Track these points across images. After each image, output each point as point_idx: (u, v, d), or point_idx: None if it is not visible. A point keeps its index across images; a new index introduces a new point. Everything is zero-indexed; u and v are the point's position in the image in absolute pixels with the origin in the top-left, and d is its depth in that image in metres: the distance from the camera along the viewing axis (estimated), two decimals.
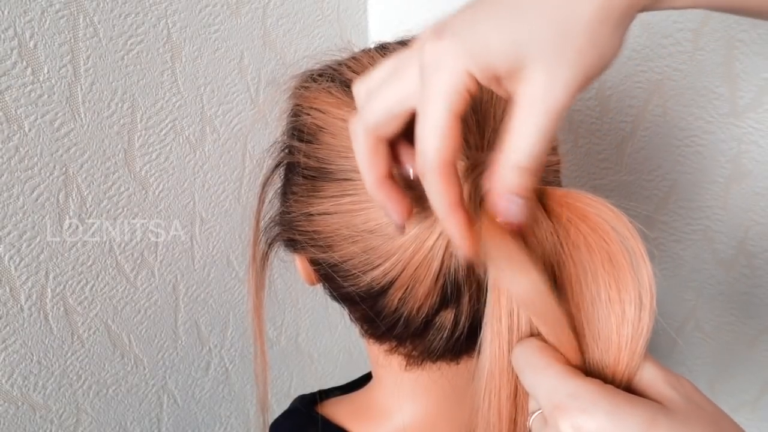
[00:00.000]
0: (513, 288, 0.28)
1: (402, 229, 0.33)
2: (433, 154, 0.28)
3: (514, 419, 0.32)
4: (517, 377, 0.31)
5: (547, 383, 0.28)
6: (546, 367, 0.29)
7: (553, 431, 0.27)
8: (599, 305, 0.30)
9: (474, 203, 0.32)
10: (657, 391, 0.28)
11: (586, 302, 0.30)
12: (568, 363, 0.29)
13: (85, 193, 0.56)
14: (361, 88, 0.32)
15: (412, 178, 0.33)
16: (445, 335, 0.39)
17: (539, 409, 0.30)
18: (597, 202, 0.30)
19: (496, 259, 0.29)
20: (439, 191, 0.28)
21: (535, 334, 0.31)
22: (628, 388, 0.29)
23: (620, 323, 0.29)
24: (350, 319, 0.43)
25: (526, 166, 0.27)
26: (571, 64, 0.27)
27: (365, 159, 0.31)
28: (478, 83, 0.27)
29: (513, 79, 0.27)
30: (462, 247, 0.29)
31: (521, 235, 0.31)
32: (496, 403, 0.32)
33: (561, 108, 0.27)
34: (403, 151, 0.32)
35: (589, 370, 0.30)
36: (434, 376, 0.43)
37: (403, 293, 0.37)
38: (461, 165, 0.34)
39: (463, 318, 0.38)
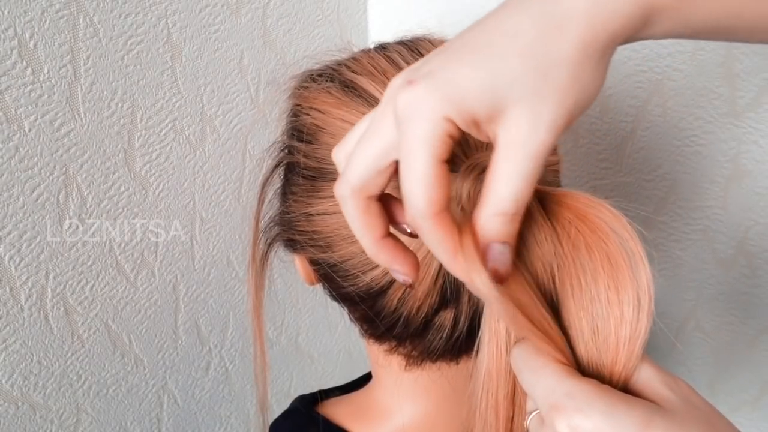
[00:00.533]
0: (474, 286, 0.28)
1: (412, 284, 0.32)
2: (424, 205, 0.26)
3: (512, 419, 0.32)
4: (515, 377, 0.31)
5: (544, 383, 0.28)
6: (543, 367, 0.29)
7: (549, 431, 0.27)
8: (598, 306, 0.30)
9: (472, 203, 0.32)
10: (654, 392, 0.28)
11: (586, 302, 0.30)
12: (566, 363, 0.29)
13: (85, 193, 0.56)
14: (339, 153, 0.31)
15: (411, 233, 0.32)
16: (444, 335, 0.39)
17: (536, 410, 0.30)
18: (596, 203, 0.30)
19: (466, 255, 0.29)
20: (438, 241, 0.27)
21: None
22: (625, 388, 0.29)
23: (619, 324, 0.29)
24: (350, 319, 0.43)
25: (510, 213, 0.27)
26: (554, 103, 0.26)
27: (359, 222, 0.30)
28: (459, 128, 0.26)
29: (493, 123, 0.26)
30: (476, 283, 0.28)
31: (519, 235, 0.31)
32: (494, 403, 0.32)
33: (545, 150, 0.26)
34: (395, 206, 0.31)
35: (586, 371, 0.30)
36: (434, 376, 0.43)
37: (403, 293, 0.37)
38: (461, 165, 0.34)
39: (462, 318, 0.38)
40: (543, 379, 0.28)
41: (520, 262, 0.31)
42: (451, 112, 0.26)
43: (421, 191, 0.26)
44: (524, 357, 0.30)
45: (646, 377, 0.29)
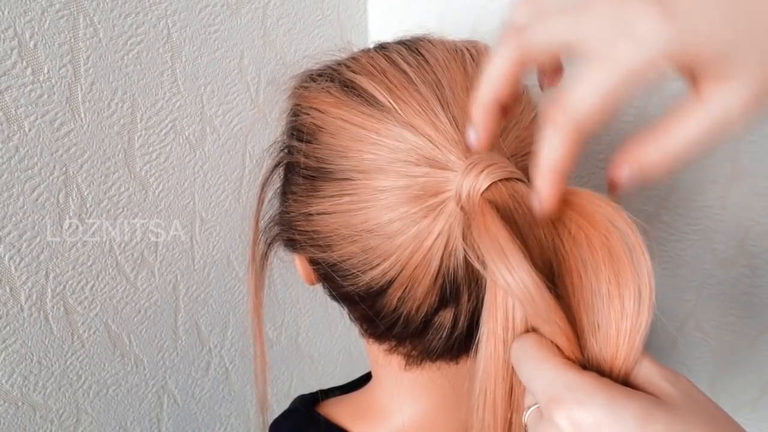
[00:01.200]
0: (505, 281, 0.28)
1: (468, 149, 0.32)
2: (579, 113, 0.25)
3: (509, 418, 0.32)
4: (512, 376, 0.31)
5: (544, 376, 0.28)
6: (543, 360, 0.29)
7: (548, 425, 0.27)
8: (599, 300, 0.30)
9: (472, 203, 0.32)
10: (654, 386, 0.28)
11: (586, 297, 0.30)
12: (566, 357, 0.29)
13: (85, 193, 0.56)
14: (521, 11, 0.28)
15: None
16: (444, 335, 0.39)
17: (535, 404, 0.30)
18: (597, 199, 0.31)
19: (489, 253, 0.29)
20: (558, 149, 0.26)
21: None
22: (625, 383, 0.29)
23: (619, 318, 0.29)
24: (350, 318, 0.43)
25: (670, 157, 0.26)
26: None
27: (496, 73, 0.28)
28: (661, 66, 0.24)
29: (707, 72, 0.24)
30: (544, 202, 0.29)
31: (518, 230, 0.31)
32: (492, 402, 0.32)
33: (739, 124, 0.25)
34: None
35: (587, 364, 0.30)
36: (434, 376, 0.43)
37: (402, 293, 0.37)
38: (461, 164, 0.34)
39: (462, 317, 0.38)
40: (542, 372, 0.28)
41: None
42: (671, 47, 0.24)
43: (587, 103, 0.25)
44: (525, 350, 0.30)
45: (646, 372, 0.29)
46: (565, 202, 0.31)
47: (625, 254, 0.29)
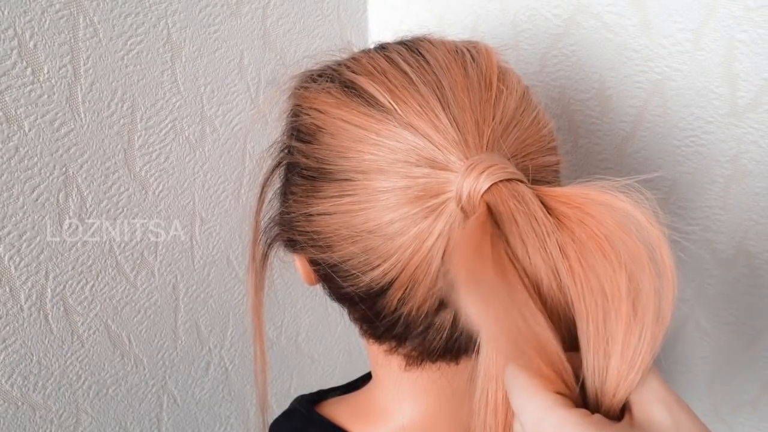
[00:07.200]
0: (482, 327, 0.27)
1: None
2: None
3: (510, 421, 0.32)
4: None
5: (533, 410, 0.28)
6: (534, 393, 0.28)
7: None
8: (602, 322, 0.29)
9: (472, 204, 0.32)
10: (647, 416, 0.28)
11: (590, 315, 0.30)
12: (556, 389, 0.29)
13: (85, 193, 0.56)
14: None
15: None
16: (444, 335, 0.39)
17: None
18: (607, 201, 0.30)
19: (468, 287, 0.28)
20: None
21: None
22: (620, 409, 0.29)
23: (624, 345, 0.28)
24: (350, 319, 0.43)
25: None
26: None
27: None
28: None
29: None
30: None
31: (520, 232, 0.31)
32: (493, 405, 0.32)
33: None
34: None
35: (583, 390, 0.30)
36: (434, 377, 0.43)
37: (403, 293, 0.37)
38: (461, 165, 0.34)
39: (462, 318, 0.38)
40: (532, 406, 0.28)
41: (524, 274, 0.31)
42: None
43: None
44: (516, 378, 0.29)
45: (648, 390, 0.28)
46: (569, 204, 0.31)
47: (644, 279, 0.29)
